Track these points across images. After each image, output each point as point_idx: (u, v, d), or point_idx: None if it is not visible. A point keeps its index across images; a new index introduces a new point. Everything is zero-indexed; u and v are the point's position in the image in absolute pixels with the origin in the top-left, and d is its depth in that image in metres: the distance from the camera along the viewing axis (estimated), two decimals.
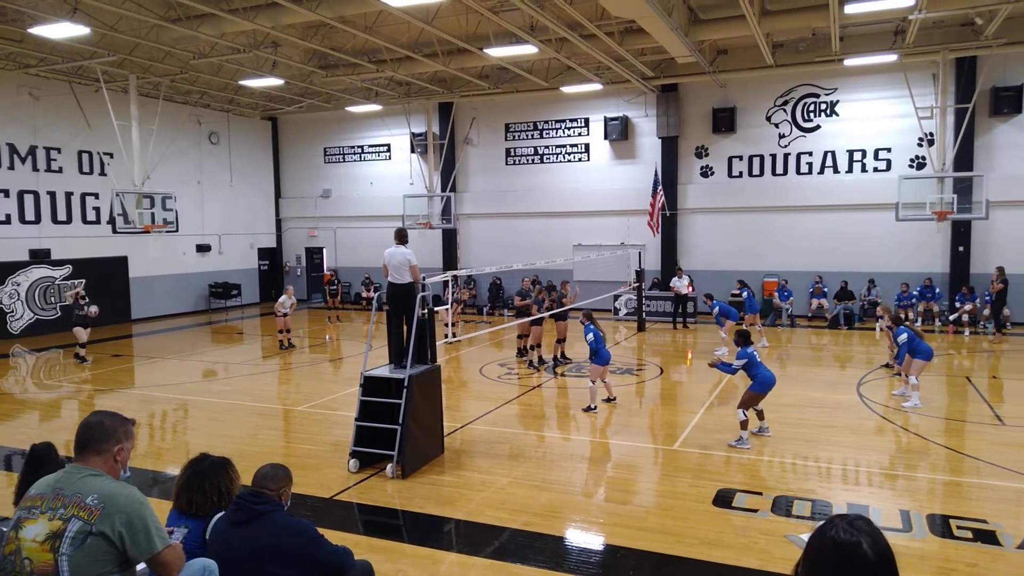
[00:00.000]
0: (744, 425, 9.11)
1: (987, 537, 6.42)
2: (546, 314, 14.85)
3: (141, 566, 3.32)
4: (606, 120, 22.98)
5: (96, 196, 21.96)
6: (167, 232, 21.50)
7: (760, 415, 9.43)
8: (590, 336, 11.15)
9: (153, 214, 20.42)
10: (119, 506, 3.10)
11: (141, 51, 17.96)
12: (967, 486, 7.86)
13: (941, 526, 6.68)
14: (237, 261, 27.16)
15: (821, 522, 2.04)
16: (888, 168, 20.21)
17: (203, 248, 25.68)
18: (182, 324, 22.77)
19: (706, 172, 22.39)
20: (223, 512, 3.85)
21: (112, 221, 20.37)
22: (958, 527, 6.63)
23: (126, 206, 19.84)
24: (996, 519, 6.78)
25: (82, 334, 15.86)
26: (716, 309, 16.13)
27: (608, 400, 11.49)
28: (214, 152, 26.23)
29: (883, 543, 1.91)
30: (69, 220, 21.39)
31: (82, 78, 20.50)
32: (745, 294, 17.55)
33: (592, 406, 11.06)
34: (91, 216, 21.97)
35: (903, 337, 11.48)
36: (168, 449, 9.84)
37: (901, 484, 7.92)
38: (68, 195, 21.31)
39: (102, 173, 22.01)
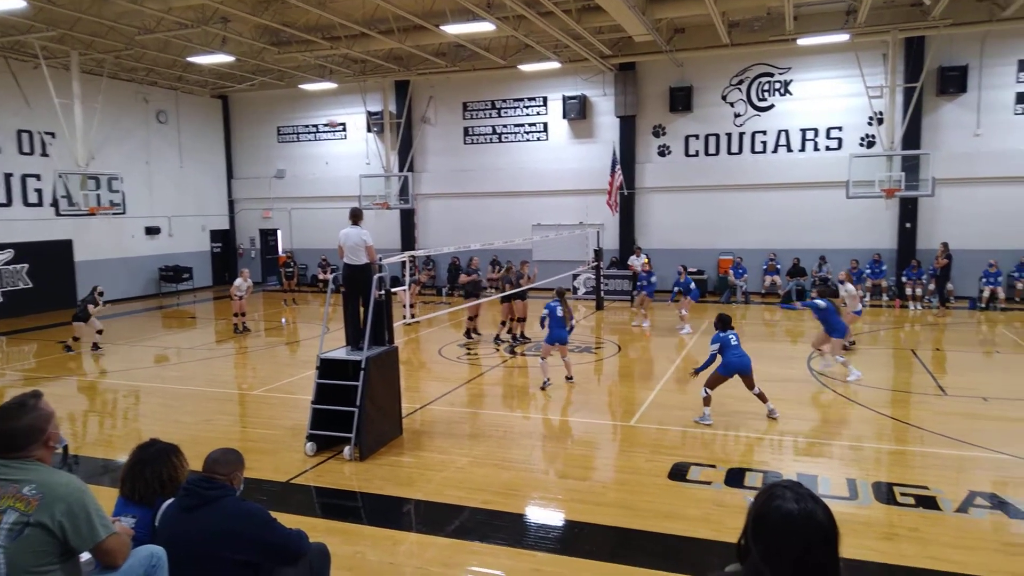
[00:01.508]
0: (707, 402, 9.20)
1: (928, 503, 6.67)
2: (494, 296, 15.01)
3: (86, 556, 3.23)
4: (564, 99, 22.93)
5: (38, 177, 21.13)
6: (114, 214, 20.79)
7: (762, 398, 9.31)
8: (544, 312, 11.40)
9: (99, 196, 19.73)
10: (59, 495, 3.00)
11: (83, 26, 17.25)
12: (910, 454, 8.15)
13: (886, 493, 6.91)
14: (188, 244, 26.50)
15: (759, 493, 2.05)
16: (839, 147, 20.62)
17: (152, 231, 24.99)
18: (132, 309, 22.17)
19: (663, 151, 22.55)
20: (173, 498, 3.77)
21: (55, 203, 19.62)
22: (901, 494, 6.87)
23: (70, 188, 19.12)
24: (937, 485, 7.05)
25: (82, 328, 15.25)
26: (685, 286, 16.43)
27: (567, 379, 11.56)
28: (162, 131, 25.44)
29: (827, 507, 1.95)
30: (9, 202, 20.57)
31: (19, 54, 19.61)
32: (650, 274, 17.59)
33: (545, 379, 11.25)
34: (32, 198, 21.15)
35: (822, 303, 11.48)
36: (119, 437, 9.61)
37: (848, 454, 8.17)
38: (7, 176, 20.47)
39: (44, 154, 21.19)
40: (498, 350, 14.56)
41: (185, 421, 10.05)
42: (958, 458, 7.89)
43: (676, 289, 16.67)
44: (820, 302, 11.52)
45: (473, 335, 15.67)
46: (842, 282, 13.91)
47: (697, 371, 9.77)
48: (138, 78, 23.59)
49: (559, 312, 11.34)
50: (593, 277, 21.00)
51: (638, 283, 17.16)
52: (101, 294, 15.74)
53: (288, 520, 4.25)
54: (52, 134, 21.00)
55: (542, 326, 11.54)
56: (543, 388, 11.17)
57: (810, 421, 9.42)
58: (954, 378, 11.83)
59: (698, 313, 17.17)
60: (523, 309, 15.48)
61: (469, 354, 14.26)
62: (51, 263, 21.54)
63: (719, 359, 9.25)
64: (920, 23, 17.87)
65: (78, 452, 8.76)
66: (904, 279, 19.38)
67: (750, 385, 9.31)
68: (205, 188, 27.41)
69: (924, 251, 19.81)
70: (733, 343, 9.27)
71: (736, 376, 9.31)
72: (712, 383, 9.25)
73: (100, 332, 15.36)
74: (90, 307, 15.33)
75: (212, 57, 19.85)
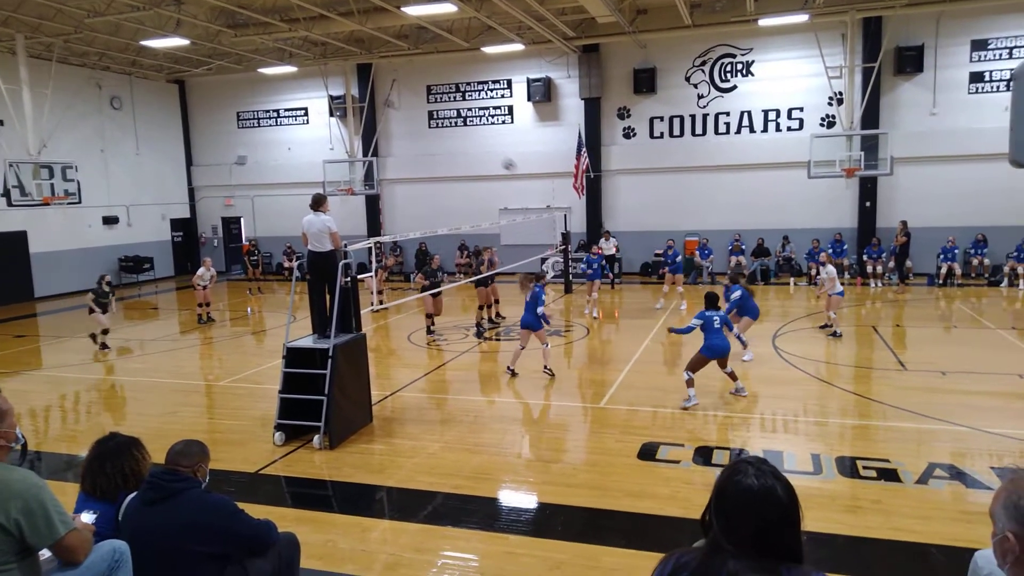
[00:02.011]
0: (690, 384, 9.16)
1: (890, 475, 6.84)
2: (463, 281, 14.92)
3: (46, 554, 3.15)
4: (529, 81, 22.82)
5: None
6: (69, 204, 20.19)
7: (732, 376, 9.38)
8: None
9: (52, 185, 19.13)
10: (14, 492, 2.91)
11: (28, 8, 16.65)
12: (872, 429, 8.35)
13: (849, 467, 7.07)
14: (148, 233, 25.90)
15: (724, 469, 2.06)
16: (801, 127, 20.88)
17: (110, 220, 24.36)
18: None
19: (628, 133, 22.61)
20: (136, 492, 3.69)
21: (7, 193, 18.98)
22: (864, 467, 7.03)
23: (21, 177, 18.50)
24: (898, 458, 7.23)
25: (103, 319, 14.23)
26: (678, 258, 16.88)
27: (544, 369, 11.06)
28: (117, 118, 24.73)
29: (788, 484, 1.97)
30: None
31: None
32: (674, 253, 17.52)
33: (509, 367, 11.03)
34: None
35: (736, 294, 11.55)
36: (82, 432, 9.39)
37: (813, 430, 8.34)
38: None
39: None
40: (466, 335, 14.51)
41: (150, 414, 9.85)
42: (918, 431, 8.10)
43: (668, 263, 16.97)
44: (737, 292, 11.52)
45: (432, 331, 14.50)
46: (823, 264, 13.81)
47: (672, 330, 10.23)
48: (90, 63, 22.87)
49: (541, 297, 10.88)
50: (561, 261, 21.03)
51: (591, 267, 16.60)
52: (109, 283, 14.66)
53: (258, 511, 4.20)
54: (0, 122, 20.27)
55: (527, 311, 10.91)
56: (509, 371, 11.01)
57: (775, 398, 9.58)
58: (914, 353, 12.14)
59: (674, 291, 17.20)
60: (493, 292, 15.32)
61: (439, 340, 14.20)
62: (5, 256, 20.89)
63: (702, 340, 9.23)
64: (877, 3, 18.15)
65: (40, 448, 8.55)
66: (865, 257, 19.77)
67: (723, 365, 9.38)
68: (164, 176, 26.77)
69: (884, 229, 20.22)
70: (716, 326, 9.18)
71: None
72: (694, 366, 9.22)
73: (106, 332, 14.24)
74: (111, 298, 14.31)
75: (166, 41, 19.28)
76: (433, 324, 14.53)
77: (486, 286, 15.16)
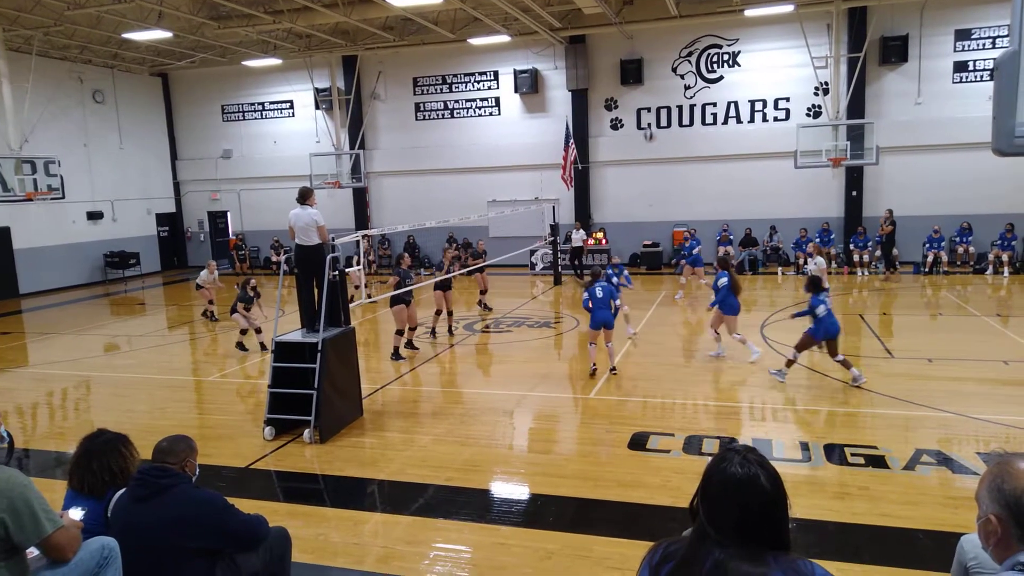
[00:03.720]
0: (789, 364, 9.54)
1: (877, 462, 6.90)
2: (456, 272, 14.51)
3: (35, 552, 3.13)
4: (516, 73, 22.75)
5: None
6: (52, 199, 19.95)
7: (845, 364, 9.40)
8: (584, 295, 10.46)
9: (35, 180, 18.88)
10: None
11: (6, 0, 16.38)
12: (860, 416, 8.42)
13: (837, 454, 7.13)
14: (134, 228, 25.67)
15: (713, 457, 2.08)
16: (787, 117, 20.95)
17: (95, 215, 24.12)
18: (77, 297, 21.46)
19: (616, 124, 22.60)
20: (124, 489, 3.67)
21: None
22: (852, 454, 7.10)
23: (3, 172, 18.25)
24: (885, 444, 7.30)
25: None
26: (697, 249, 16.89)
27: (611, 370, 10.41)
28: (100, 112, 24.46)
29: (774, 472, 1.98)
30: None
31: None
32: (692, 244, 17.72)
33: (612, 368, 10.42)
34: None
35: (723, 281, 10.85)
36: (70, 428, 9.32)
37: (801, 418, 8.40)
38: None
39: None
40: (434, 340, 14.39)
41: (138, 410, 9.79)
42: (905, 418, 8.18)
43: (684, 255, 17.08)
44: (724, 278, 10.82)
45: (413, 347, 12.54)
46: (811, 255, 13.19)
47: (795, 315, 10.09)
48: (71, 56, 22.58)
49: (599, 293, 10.11)
50: (550, 252, 21.04)
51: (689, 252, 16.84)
52: (255, 288, 13.40)
53: (249, 505, 4.18)
54: None
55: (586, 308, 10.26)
56: (591, 375, 10.23)
57: (763, 387, 9.64)
58: (900, 341, 12.24)
59: (655, 284, 17.29)
60: (448, 301, 13.48)
61: (427, 333, 14.16)
62: None
63: (814, 316, 9.25)
64: None
65: (28, 446, 8.48)
66: (852, 246, 19.89)
67: (833, 350, 9.43)
68: (148, 170, 26.52)
69: (870, 218, 20.34)
70: (828, 307, 9.35)
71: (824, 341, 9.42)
72: (802, 345, 9.45)
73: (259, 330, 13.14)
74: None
75: (148, 33, 19.08)
76: (411, 336, 12.31)
77: (445, 289, 13.41)
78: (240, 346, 13.00)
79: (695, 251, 17.13)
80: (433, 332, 13.50)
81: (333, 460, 7.56)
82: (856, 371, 9.37)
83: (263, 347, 12.84)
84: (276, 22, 18.51)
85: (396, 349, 11.87)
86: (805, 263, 19.78)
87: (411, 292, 11.86)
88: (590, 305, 10.10)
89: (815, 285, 9.50)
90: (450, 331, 13.75)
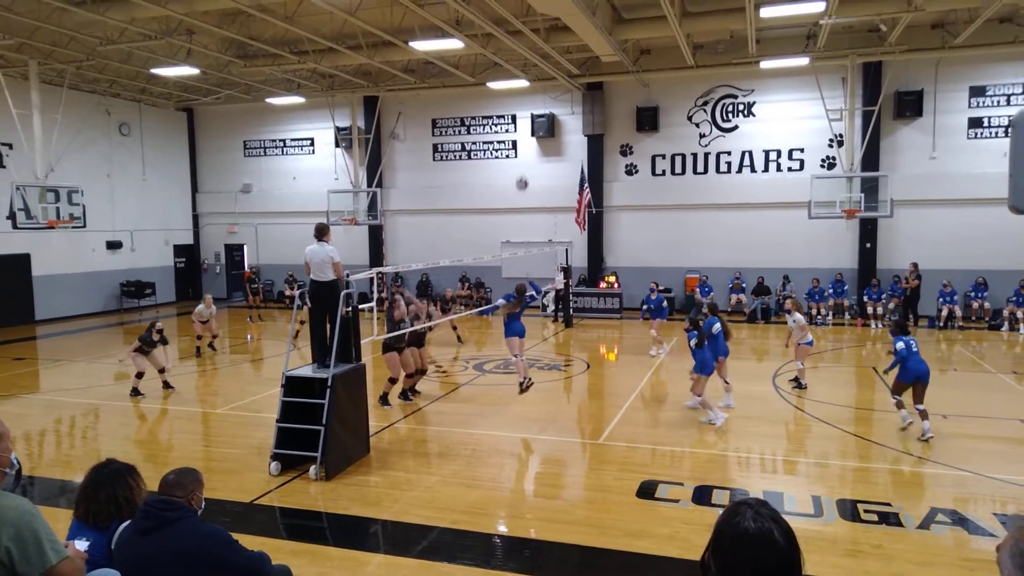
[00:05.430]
0: (899, 406, 9.55)
1: (891, 519, 6.76)
2: (464, 313, 14.54)
3: None
4: (533, 117, 23.09)
5: None
6: (73, 228, 20.31)
7: (924, 415, 9.27)
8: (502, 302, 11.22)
9: (58, 209, 19.27)
10: (7, 519, 2.88)
11: (42, 35, 16.91)
12: (874, 471, 8.27)
13: (850, 510, 6.99)
14: (151, 258, 25.99)
15: (724, 509, 2.05)
16: (801, 168, 21.06)
17: (114, 245, 24.45)
18: (91, 325, 21.63)
19: (631, 170, 22.80)
20: (129, 521, 3.65)
21: (12, 216, 19.07)
22: (865, 511, 6.96)
23: (28, 200, 18.63)
24: (899, 502, 7.16)
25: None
26: (657, 304, 16.04)
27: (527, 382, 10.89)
28: (125, 144, 24.99)
29: (788, 528, 1.95)
30: None
31: None
32: (659, 298, 16.52)
33: (522, 380, 10.84)
34: None
35: (716, 327, 10.61)
36: (77, 456, 9.31)
37: (813, 471, 8.26)
38: None
39: (1, 165, 20.65)
40: (467, 367, 14.42)
41: (146, 440, 9.80)
42: (920, 475, 8.04)
43: (645, 307, 16.66)
44: (716, 324, 10.61)
45: (411, 395, 11.66)
46: (789, 311, 12.18)
47: (886, 370, 9.95)
48: (100, 89, 23.18)
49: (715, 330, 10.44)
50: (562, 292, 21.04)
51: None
52: (160, 331, 12.58)
53: (252, 542, 4.15)
54: (10, 145, 20.49)
55: (507, 323, 10.78)
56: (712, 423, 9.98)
57: (775, 438, 9.52)
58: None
59: (666, 331, 17.21)
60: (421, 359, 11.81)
61: (439, 372, 14.14)
62: (7, 278, 20.93)
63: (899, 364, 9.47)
64: (877, 48, 18.44)
65: (33, 473, 8.47)
66: (865, 298, 19.78)
67: (919, 396, 9.36)
68: (169, 202, 26.95)
69: (883, 271, 20.27)
70: (915, 349, 9.48)
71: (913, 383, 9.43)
72: (897, 390, 9.57)
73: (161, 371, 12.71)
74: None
75: (176, 69, 19.60)
76: (408, 384, 11.57)
77: (419, 345, 11.66)
78: (135, 391, 12.07)
79: (663, 305, 16.28)
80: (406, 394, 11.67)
81: (338, 498, 7.50)
82: (927, 425, 9.24)
83: (166, 385, 12.48)
84: (301, 62, 18.96)
85: (384, 395, 11.19)
86: (818, 313, 19.72)
87: (403, 338, 10.92)
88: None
89: (900, 328, 9.73)
90: (407, 395, 11.63)
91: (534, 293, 11.41)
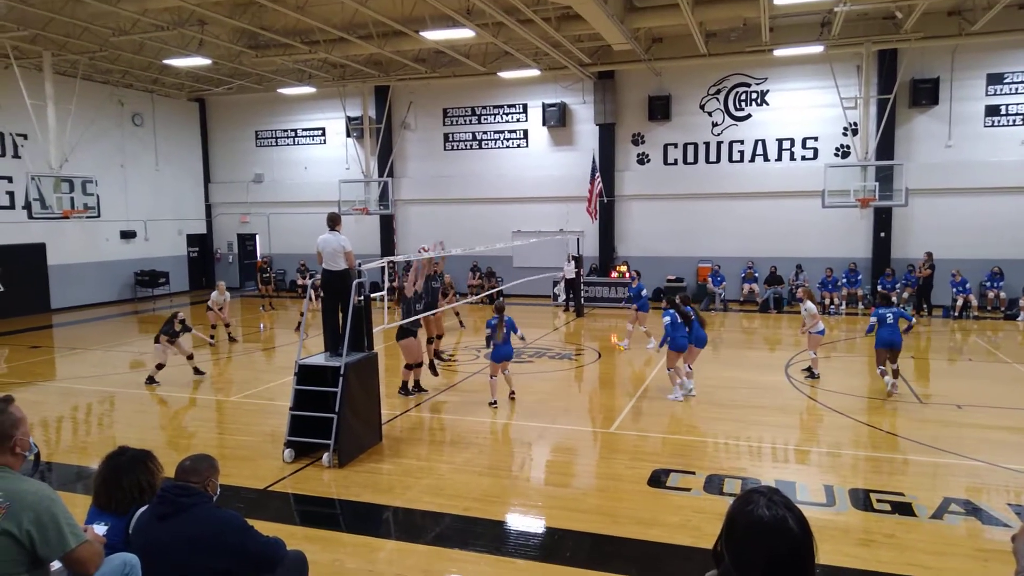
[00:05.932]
0: (883, 374, 10.67)
1: (904, 509, 6.74)
2: (470, 299, 14.59)
3: (57, 565, 3.16)
4: (544, 106, 23.00)
5: (9, 180, 20.77)
6: (88, 218, 20.49)
7: (895, 373, 10.38)
8: (488, 331, 10.71)
9: (72, 199, 19.45)
10: (27, 504, 2.93)
11: (56, 27, 17.01)
12: (887, 461, 8.24)
13: (863, 500, 6.97)
14: (165, 248, 26.18)
15: (736, 498, 2.04)
16: (815, 156, 20.89)
17: (128, 234, 24.64)
18: (106, 314, 21.83)
19: (642, 159, 22.70)
20: (147, 506, 3.70)
21: (28, 206, 19.26)
22: (878, 500, 6.94)
23: (43, 190, 18.79)
24: (912, 491, 7.13)
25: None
26: (636, 293, 15.32)
27: (510, 396, 10.85)
28: (138, 134, 25.12)
29: (801, 516, 1.93)
30: None
31: None
32: (639, 286, 15.60)
33: (491, 401, 10.58)
34: (4, 201, 20.79)
35: (667, 320, 10.70)
36: (93, 443, 9.43)
37: (826, 461, 8.24)
38: None
39: (15, 155, 20.83)
40: (477, 356, 14.43)
41: (161, 427, 9.89)
42: (933, 465, 8.00)
43: (628, 294, 16.06)
44: (667, 318, 10.66)
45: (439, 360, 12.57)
46: (801, 300, 12.26)
47: (867, 332, 11.46)
48: (113, 80, 23.30)
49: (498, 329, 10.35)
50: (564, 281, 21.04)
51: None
52: (183, 322, 12.94)
53: (266, 528, 4.19)
54: (24, 136, 20.66)
55: (494, 342, 10.49)
56: (491, 405, 10.33)
57: (787, 427, 9.50)
58: (929, 385, 12.00)
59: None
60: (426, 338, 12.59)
61: (451, 359, 14.18)
62: (23, 267, 21.14)
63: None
64: (892, 36, 18.22)
65: (51, 459, 8.59)
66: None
67: (893, 359, 10.62)
68: (182, 192, 27.10)
69: (898, 260, 20.11)
70: (889, 321, 10.53)
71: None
72: (877, 357, 10.76)
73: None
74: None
75: (188, 60, 19.66)
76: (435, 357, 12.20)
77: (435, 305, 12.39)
78: (150, 379, 12.31)
79: (642, 293, 15.23)
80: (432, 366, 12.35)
81: (351, 485, 7.56)
82: (890, 379, 10.58)
83: (197, 371, 12.94)
84: (312, 52, 18.97)
85: (404, 383, 11.34)
86: (832, 303, 19.60)
87: (419, 323, 11.23)
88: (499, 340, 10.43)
89: (885, 299, 11.00)
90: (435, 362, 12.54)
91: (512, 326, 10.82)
